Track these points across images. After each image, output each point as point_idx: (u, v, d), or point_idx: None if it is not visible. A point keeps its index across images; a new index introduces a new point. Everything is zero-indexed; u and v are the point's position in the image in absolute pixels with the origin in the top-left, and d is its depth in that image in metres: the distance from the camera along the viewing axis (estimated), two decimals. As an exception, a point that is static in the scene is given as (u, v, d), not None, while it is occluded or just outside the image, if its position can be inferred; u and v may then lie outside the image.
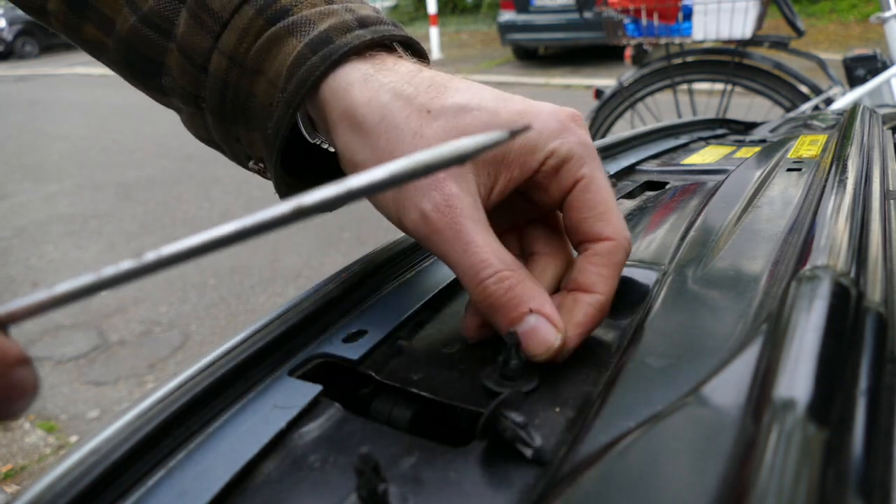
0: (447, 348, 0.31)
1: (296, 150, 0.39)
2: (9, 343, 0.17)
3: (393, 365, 0.30)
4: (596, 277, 0.30)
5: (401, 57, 0.35)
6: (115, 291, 2.41)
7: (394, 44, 0.36)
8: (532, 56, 7.73)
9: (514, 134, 0.21)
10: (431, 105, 0.31)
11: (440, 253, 0.29)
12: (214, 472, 0.23)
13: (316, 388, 0.28)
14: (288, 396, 0.28)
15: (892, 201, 0.40)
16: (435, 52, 8.21)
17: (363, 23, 0.34)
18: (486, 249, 0.28)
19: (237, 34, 0.35)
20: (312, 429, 0.26)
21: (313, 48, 0.33)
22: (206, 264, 2.63)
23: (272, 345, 0.30)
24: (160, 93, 0.40)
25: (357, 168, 0.32)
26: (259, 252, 2.72)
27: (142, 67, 0.39)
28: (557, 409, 0.26)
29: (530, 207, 0.34)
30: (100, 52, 0.41)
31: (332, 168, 0.38)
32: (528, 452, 0.22)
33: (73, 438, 1.64)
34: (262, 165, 0.39)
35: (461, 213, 0.28)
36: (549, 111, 0.31)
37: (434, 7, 8.32)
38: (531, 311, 0.28)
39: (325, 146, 0.39)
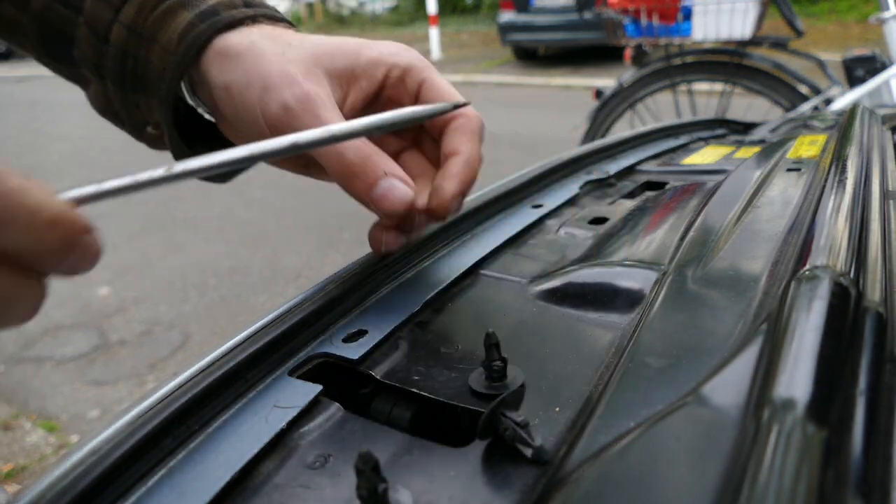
0: (447, 348, 0.31)
1: (191, 126, 0.42)
2: (79, 216, 0.23)
3: (393, 365, 0.30)
4: (458, 142, 0.36)
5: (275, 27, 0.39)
6: (116, 291, 2.41)
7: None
8: (532, 56, 7.73)
9: (456, 107, 0.30)
10: (293, 40, 0.36)
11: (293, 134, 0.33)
12: (214, 472, 0.23)
13: (316, 388, 0.28)
14: (288, 396, 0.28)
15: (891, 201, 0.40)
16: (435, 52, 8.21)
17: (248, 3, 0.39)
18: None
19: (136, 7, 0.38)
20: (312, 428, 0.26)
21: (202, 18, 0.37)
22: (206, 264, 2.63)
23: (272, 344, 0.30)
24: (71, 65, 0.42)
25: (230, 92, 0.36)
26: (259, 252, 2.72)
27: (54, 40, 0.41)
28: (557, 409, 0.26)
29: (402, 137, 0.41)
30: (14, 30, 0.43)
31: (217, 141, 0.43)
32: (528, 452, 0.22)
33: (74, 438, 1.64)
34: (158, 130, 0.41)
35: (319, 104, 0.33)
36: (392, 43, 0.38)
37: (434, 7, 8.31)
38: (385, 174, 0.33)
39: (205, 114, 0.42)
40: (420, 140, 0.41)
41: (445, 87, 0.37)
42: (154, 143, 0.43)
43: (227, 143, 0.41)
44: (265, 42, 0.36)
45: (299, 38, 0.37)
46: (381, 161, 0.33)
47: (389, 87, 0.37)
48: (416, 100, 0.37)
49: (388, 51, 0.37)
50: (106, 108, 0.43)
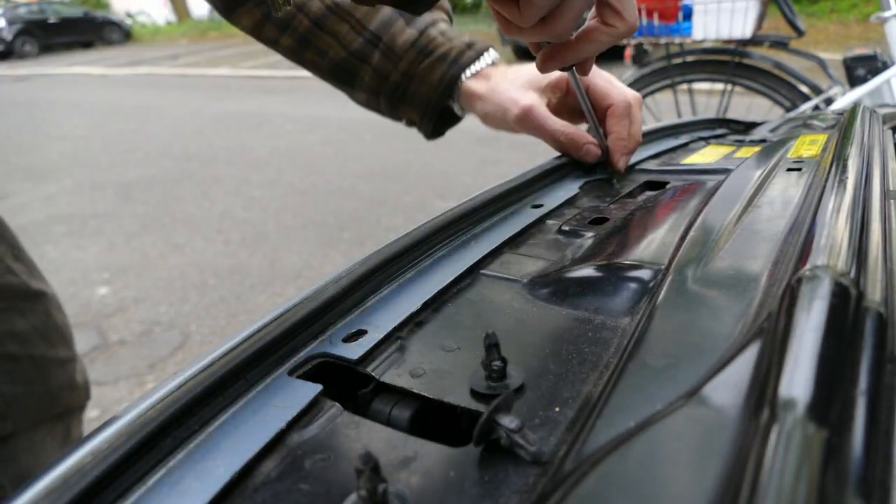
0: (447, 348, 0.31)
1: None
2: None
3: (393, 365, 0.30)
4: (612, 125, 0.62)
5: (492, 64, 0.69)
6: (115, 291, 2.41)
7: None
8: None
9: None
10: (508, 72, 0.67)
11: (535, 133, 0.62)
12: (214, 472, 0.23)
13: (316, 388, 0.28)
14: (288, 396, 0.28)
15: (892, 201, 0.40)
16: (435, 51, 8.20)
17: (469, 45, 0.68)
18: (558, 127, 0.61)
19: (408, 62, 0.67)
20: (312, 429, 0.26)
21: (452, 67, 0.67)
22: (206, 264, 2.63)
23: (272, 344, 0.30)
24: (350, 88, 0.72)
25: (486, 117, 0.68)
26: (259, 252, 2.72)
27: (343, 77, 0.71)
28: (557, 409, 0.26)
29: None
30: (312, 67, 0.72)
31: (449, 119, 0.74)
32: (526, 456, 0.22)
33: (73, 438, 1.64)
34: (411, 124, 0.74)
35: (539, 114, 0.62)
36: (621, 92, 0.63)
37: (434, 7, 8.30)
38: (583, 144, 0.60)
39: (457, 111, 0.72)
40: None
41: (604, 86, 0.62)
42: (408, 125, 0.75)
43: (455, 121, 0.74)
44: (495, 81, 0.65)
45: (509, 70, 0.66)
46: (580, 136, 0.60)
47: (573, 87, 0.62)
48: (589, 96, 0.62)
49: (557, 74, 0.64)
50: (371, 108, 0.74)
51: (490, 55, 0.68)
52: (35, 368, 0.69)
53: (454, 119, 0.73)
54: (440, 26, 0.69)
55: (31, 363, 0.68)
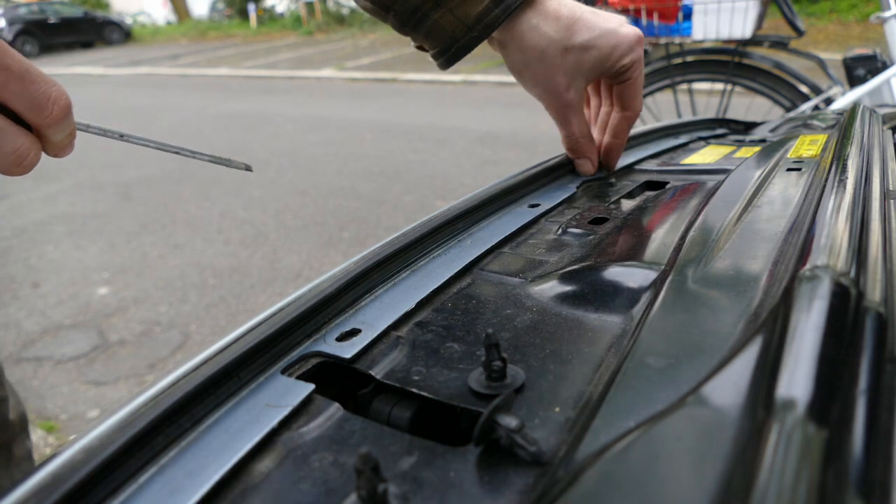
0: (446, 348, 0.31)
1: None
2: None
3: (393, 365, 0.30)
4: (620, 123, 0.61)
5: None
6: (115, 291, 2.40)
7: None
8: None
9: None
10: (567, 44, 0.55)
11: (551, 114, 0.59)
12: (206, 471, 0.23)
13: (308, 388, 0.28)
14: (280, 395, 0.28)
15: (892, 201, 0.40)
16: (435, 51, 8.20)
17: None
18: (577, 128, 0.59)
19: None
20: (312, 428, 0.26)
21: (496, 3, 0.53)
22: (206, 264, 2.63)
23: (265, 343, 0.30)
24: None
25: (520, 75, 0.58)
26: (259, 252, 2.72)
27: None
28: (557, 409, 0.26)
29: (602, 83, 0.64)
30: None
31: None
32: (526, 456, 0.22)
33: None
34: (423, 50, 0.61)
35: (571, 107, 0.58)
36: (627, 35, 0.56)
37: (434, 7, 8.30)
38: (585, 156, 0.60)
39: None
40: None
41: (637, 90, 0.61)
42: (417, 49, 0.62)
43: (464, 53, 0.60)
44: (550, 50, 0.55)
45: (569, 30, 0.55)
46: (588, 149, 0.60)
47: (611, 76, 0.58)
48: (619, 88, 0.60)
49: (623, 47, 0.56)
50: (374, 14, 0.59)
51: None
52: None
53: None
54: None
55: None
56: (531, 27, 0.54)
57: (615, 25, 0.56)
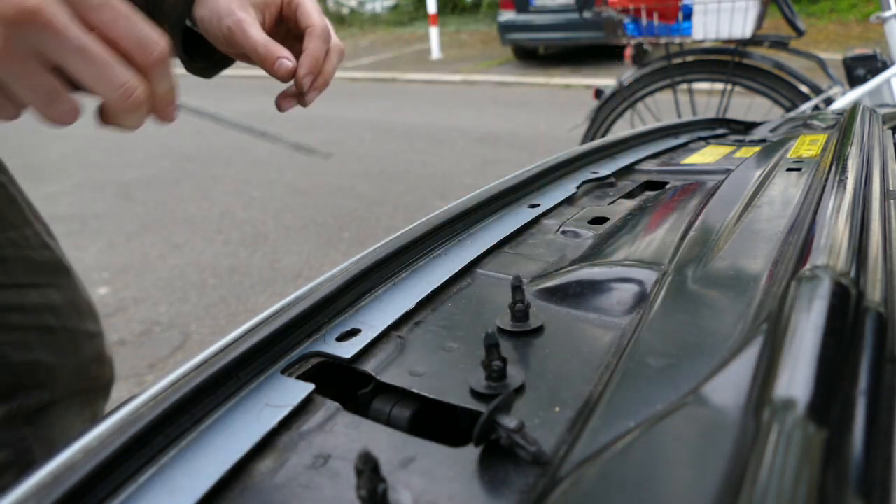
0: (446, 348, 0.31)
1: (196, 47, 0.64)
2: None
3: (393, 365, 0.30)
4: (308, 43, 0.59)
5: None
6: (115, 291, 2.41)
7: None
8: (532, 56, 7.71)
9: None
10: None
11: (240, 47, 0.56)
12: (205, 470, 0.23)
13: (308, 387, 0.28)
14: (280, 395, 0.28)
15: (892, 201, 0.40)
16: (435, 51, 8.20)
17: None
18: (260, 38, 0.56)
19: None
20: (312, 428, 0.26)
21: None
22: (206, 264, 2.63)
23: (265, 343, 0.30)
24: None
25: (202, 20, 0.58)
26: (259, 252, 2.72)
27: None
28: (557, 409, 0.26)
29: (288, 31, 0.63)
30: None
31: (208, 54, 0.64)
32: (526, 456, 0.22)
33: (73, 438, 1.64)
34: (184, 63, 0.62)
35: (247, 25, 0.56)
36: None
37: (434, 7, 8.30)
38: (279, 57, 0.56)
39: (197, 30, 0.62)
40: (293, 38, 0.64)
41: (310, 8, 0.60)
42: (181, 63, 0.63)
43: (210, 50, 0.63)
44: None
45: None
46: (277, 49, 0.57)
47: (284, 8, 0.60)
48: (295, 17, 0.60)
49: None
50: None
51: None
52: (69, 340, 0.72)
53: (218, 55, 0.64)
54: None
55: (66, 335, 0.72)
56: None
57: None
